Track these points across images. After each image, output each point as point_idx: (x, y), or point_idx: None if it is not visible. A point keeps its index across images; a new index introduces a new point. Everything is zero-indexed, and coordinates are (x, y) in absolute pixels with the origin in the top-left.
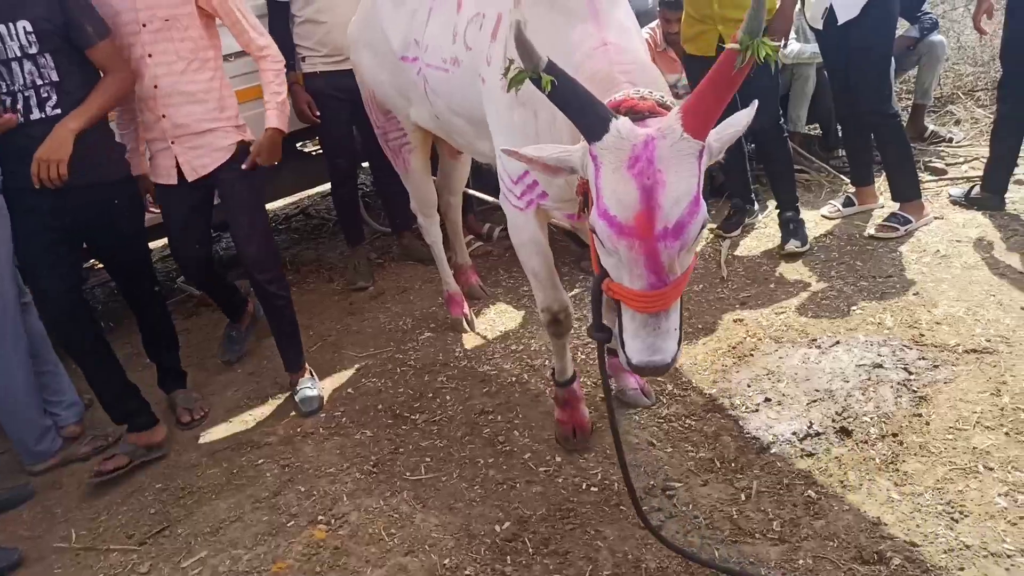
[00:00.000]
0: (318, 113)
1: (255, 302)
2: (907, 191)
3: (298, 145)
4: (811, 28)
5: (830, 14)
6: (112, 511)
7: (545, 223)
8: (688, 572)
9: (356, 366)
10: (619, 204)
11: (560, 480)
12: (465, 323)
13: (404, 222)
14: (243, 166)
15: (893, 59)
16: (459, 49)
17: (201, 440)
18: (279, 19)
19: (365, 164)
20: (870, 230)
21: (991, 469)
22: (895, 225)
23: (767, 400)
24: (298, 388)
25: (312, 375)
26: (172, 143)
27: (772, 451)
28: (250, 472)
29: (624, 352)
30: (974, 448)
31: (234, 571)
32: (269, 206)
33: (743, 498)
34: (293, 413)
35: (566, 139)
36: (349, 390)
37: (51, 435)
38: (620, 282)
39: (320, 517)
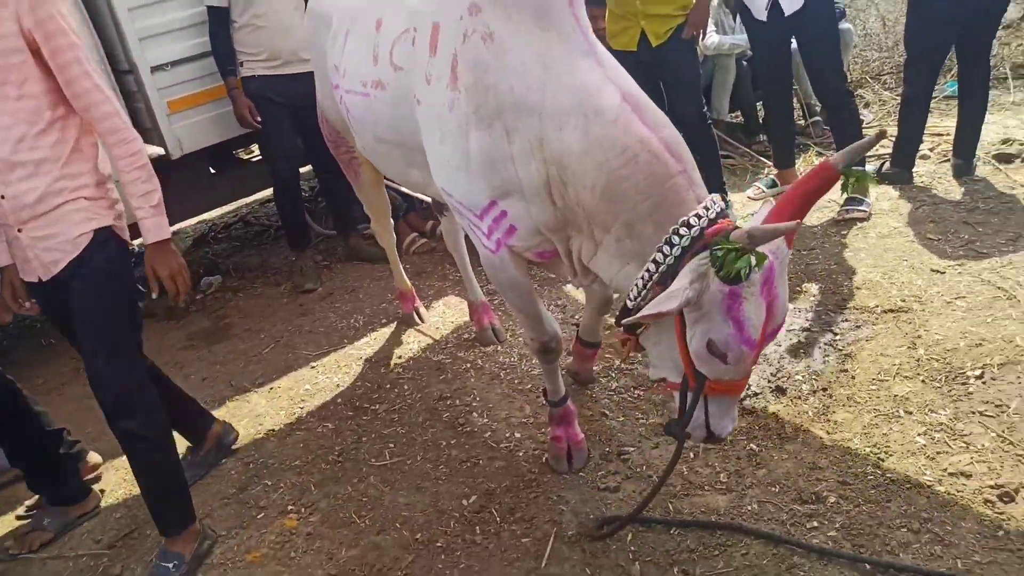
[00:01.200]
0: (259, 118)
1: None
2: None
3: (235, 152)
4: (746, 20)
5: (774, 6)
6: (75, 521)
7: (523, 262)
8: (646, 527)
9: (311, 364)
10: (755, 328)
11: (521, 454)
12: (417, 317)
13: (350, 224)
14: (153, 294)
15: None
16: (383, 71)
17: None
18: (219, 25)
19: (305, 168)
20: (842, 216)
21: (910, 413)
22: (864, 209)
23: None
24: (159, 562)
25: (196, 544)
26: (19, 230)
27: None
28: (214, 472)
29: (709, 430)
30: (895, 396)
31: (208, 564)
32: (208, 215)
33: (691, 456)
34: (252, 412)
35: (542, 171)
36: (306, 387)
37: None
38: (724, 379)
39: (290, 507)
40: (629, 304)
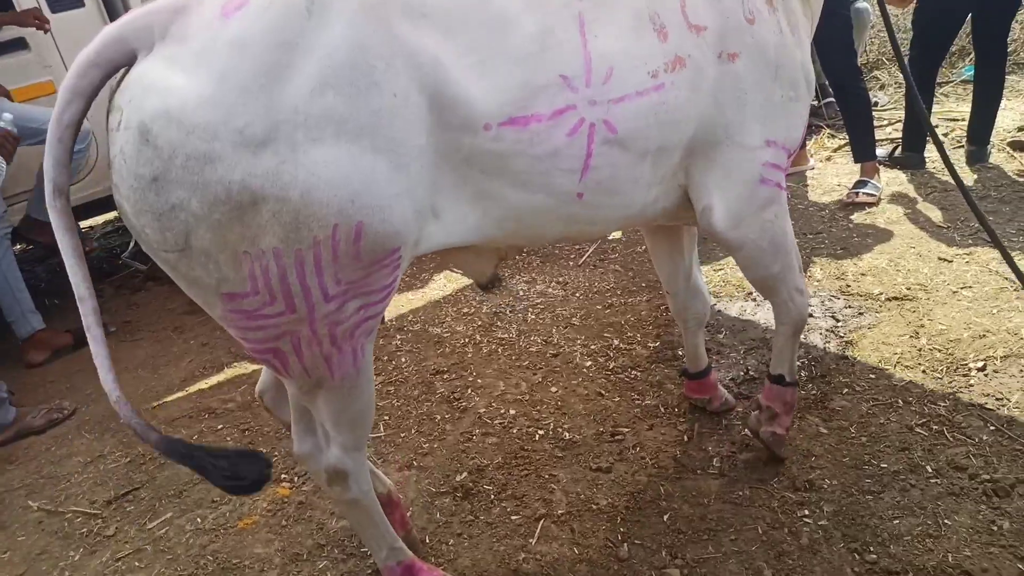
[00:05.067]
0: None
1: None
2: (867, 153)
3: None
4: None
5: None
6: (72, 480)
7: None
8: (638, 508)
9: None
10: None
11: (515, 431)
12: None
13: None
14: None
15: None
16: (680, 42)
17: (158, 412)
18: None
19: None
20: (850, 200)
21: (909, 403)
22: (872, 193)
23: (707, 351)
24: None
25: None
26: None
27: None
28: (210, 437)
29: None
30: (894, 385)
31: (201, 529)
32: None
33: (686, 439)
34: (250, 380)
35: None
36: None
37: (4, 407)
38: None
39: (283, 476)
40: None
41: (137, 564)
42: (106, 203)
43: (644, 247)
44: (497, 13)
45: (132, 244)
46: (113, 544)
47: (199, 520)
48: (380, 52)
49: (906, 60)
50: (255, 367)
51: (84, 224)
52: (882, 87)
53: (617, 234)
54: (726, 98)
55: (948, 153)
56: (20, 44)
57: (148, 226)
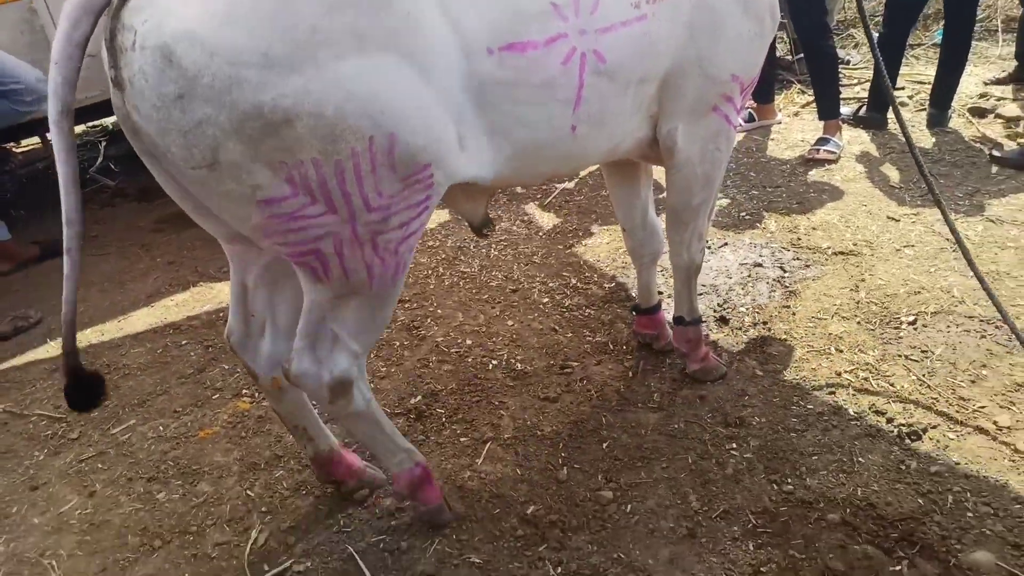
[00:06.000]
0: None
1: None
2: (831, 111)
3: None
4: None
5: None
6: (37, 385)
7: None
8: (580, 436)
9: None
10: None
11: (470, 360)
12: None
13: None
14: None
15: None
16: None
17: (123, 325)
18: None
19: None
20: (811, 156)
21: (841, 351)
22: (833, 151)
23: (659, 293)
24: None
25: None
26: None
27: None
28: (174, 352)
29: None
30: (830, 334)
31: (162, 437)
32: None
33: (630, 375)
34: (215, 298)
35: None
36: None
37: None
38: None
39: (244, 391)
40: None
41: (100, 466)
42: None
43: (605, 192)
44: None
45: (100, 159)
46: (77, 447)
47: (161, 428)
48: None
49: (879, 21)
50: (220, 285)
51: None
52: (856, 46)
53: (573, 180)
54: (701, 30)
55: (905, 116)
56: None
57: (174, 143)
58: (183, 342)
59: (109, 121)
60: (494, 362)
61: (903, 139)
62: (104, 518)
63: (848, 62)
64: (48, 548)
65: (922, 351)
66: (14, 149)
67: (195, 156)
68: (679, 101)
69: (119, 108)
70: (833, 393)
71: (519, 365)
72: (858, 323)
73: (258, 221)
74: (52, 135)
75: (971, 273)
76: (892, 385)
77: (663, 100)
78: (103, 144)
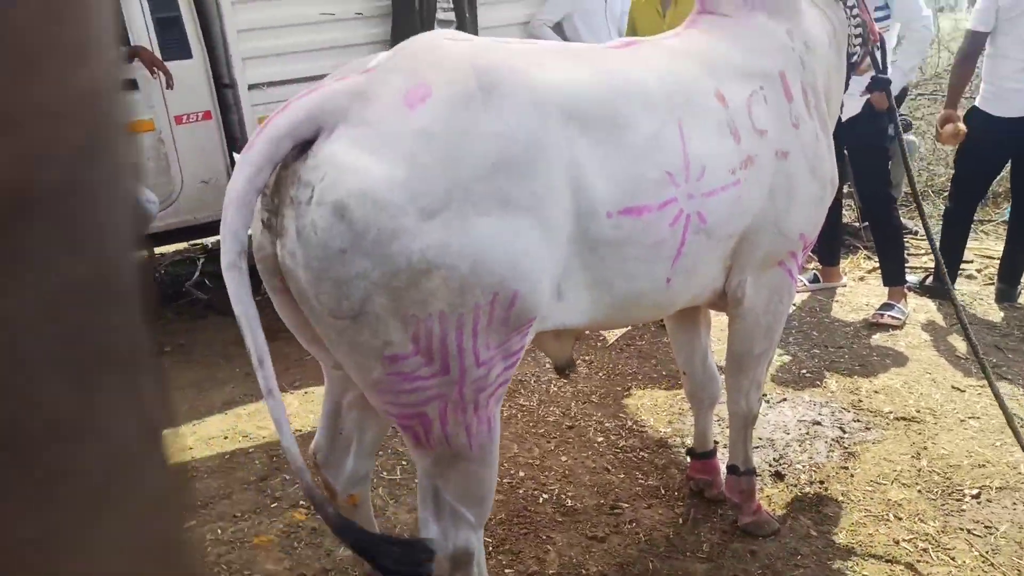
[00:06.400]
0: None
1: None
2: (896, 277)
3: None
4: None
5: None
6: None
7: None
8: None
9: None
10: None
11: (521, 491)
12: None
13: None
14: None
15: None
16: (750, 144)
17: (197, 429)
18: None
19: None
20: (875, 320)
21: (900, 519)
22: (898, 316)
23: (715, 443)
24: None
25: None
26: None
27: None
28: (241, 459)
29: None
30: (888, 500)
31: (220, 540)
32: None
33: (681, 522)
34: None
35: None
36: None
37: None
38: None
39: (302, 503)
40: None
41: None
42: (178, 234)
43: (667, 339)
44: (622, 115)
45: (196, 274)
46: None
47: (219, 531)
48: (542, 143)
49: (947, 194)
50: (290, 398)
51: (158, 250)
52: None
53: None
54: (778, 191)
55: (974, 289)
56: (132, 84)
57: (326, 293)
58: (250, 449)
59: (210, 241)
60: (545, 496)
61: (970, 311)
62: None
63: (916, 232)
64: None
65: (986, 526)
66: None
67: (343, 307)
68: (752, 255)
69: (263, 248)
70: (891, 562)
71: (569, 501)
72: (919, 491)
73: (378, 376)
74: (229, 278)
75: None
76: (953, 559)
77: (738, 254)
78: (201, 261)
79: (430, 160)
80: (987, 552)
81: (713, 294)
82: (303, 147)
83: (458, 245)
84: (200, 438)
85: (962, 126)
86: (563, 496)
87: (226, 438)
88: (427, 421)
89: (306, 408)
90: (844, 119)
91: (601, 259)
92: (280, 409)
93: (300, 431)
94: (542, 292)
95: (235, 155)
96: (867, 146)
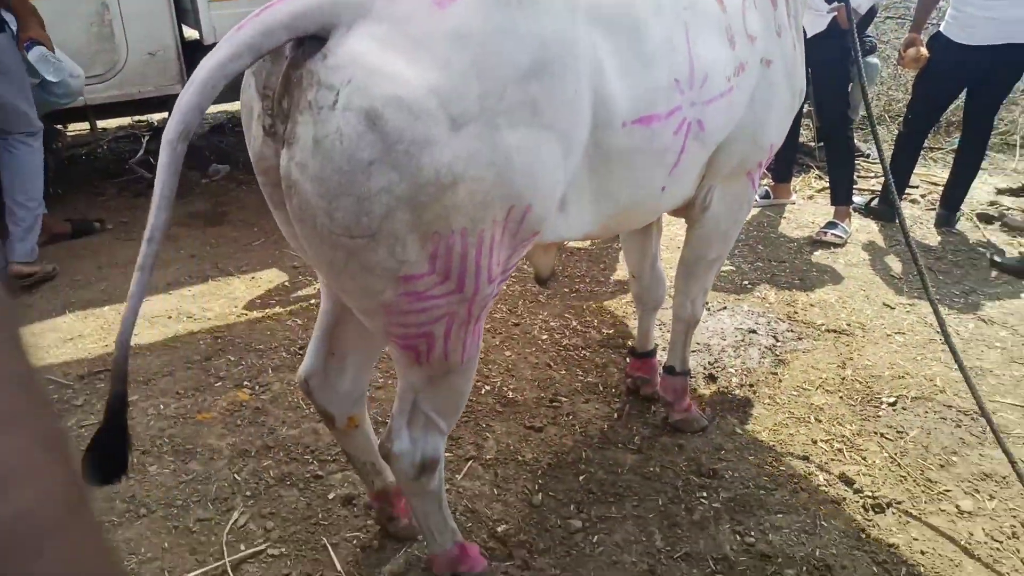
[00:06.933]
0: None
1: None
2: (843, 197)
3: None
4: None
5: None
6: (50, 352)
7: None
8: (559, 466)
9: (295, 265)
10: None
11: None
12: None
13: None
14: None
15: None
16: (743, 51)
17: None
18: None
19: None
20: (818, 237)
21: (820, 422)
22: (840, 235)
23: (655, 345)
24: None
25: None
26: None
27: None
28: (185, 338)
29: None
30: (811, 404)
31: (162, 415)
32: (228, 106)
33: (615, 416)
34: (230, 295)
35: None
36: (286, 283)
37: None
38: None
39: (246, 383)
40: None
41: None
42: (122, 108)
43: (618, 245)
44: (638, 19)
45: (141, 152)
46: (79, 413)
47: (161, 407)
48: (574, 48)
49: (902, 119)
50: (237, 281)
51: (100, 124)
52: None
53: None
54: (758, 100)
55: (915, 213)
56: None
57: (342, 208)
58: (195, 329)
59: (156, 118)
60: (487, 388)
61: (911, 234)
62: None
63: (868, 155)
64: None
65: (897, 431)
66: (63, 130)
67: (361, 224)
68: (727, 164)
69: (265, 158)
70: (807, 459)
71: (510, 393)
72: (840, 398)
73: (390, 298)
74: (163, 153)
75: (956, 366)
76: (864, 459)
77: (711, 162)
78: (146, 139)
79: (464, 64)
80: (896, 454)
81: (684, 201)
82: (306, 43)
83: (487, 156)
84: (143, 316)
85: (924, 51)
86: (505, 388)
87: (170, 318)
88: (432, 339)
89: (251, 292)
90: (809, 36)
91: (609, 170)
92: (142, 285)
93: (247, 314)
94: (551, 206)
95: (184, 27)
96: (829, 64)
